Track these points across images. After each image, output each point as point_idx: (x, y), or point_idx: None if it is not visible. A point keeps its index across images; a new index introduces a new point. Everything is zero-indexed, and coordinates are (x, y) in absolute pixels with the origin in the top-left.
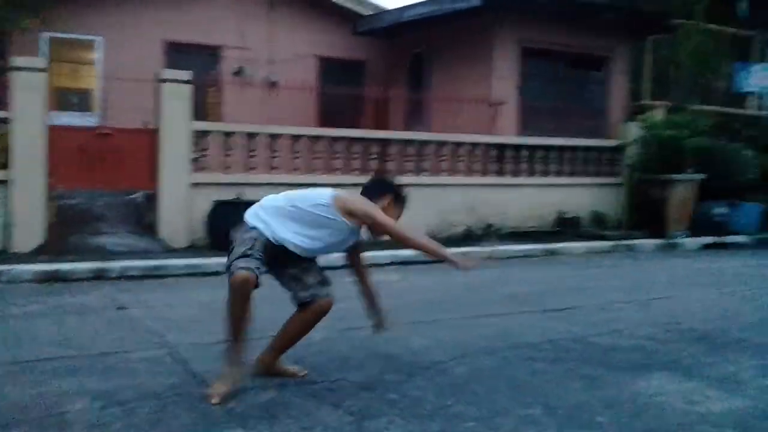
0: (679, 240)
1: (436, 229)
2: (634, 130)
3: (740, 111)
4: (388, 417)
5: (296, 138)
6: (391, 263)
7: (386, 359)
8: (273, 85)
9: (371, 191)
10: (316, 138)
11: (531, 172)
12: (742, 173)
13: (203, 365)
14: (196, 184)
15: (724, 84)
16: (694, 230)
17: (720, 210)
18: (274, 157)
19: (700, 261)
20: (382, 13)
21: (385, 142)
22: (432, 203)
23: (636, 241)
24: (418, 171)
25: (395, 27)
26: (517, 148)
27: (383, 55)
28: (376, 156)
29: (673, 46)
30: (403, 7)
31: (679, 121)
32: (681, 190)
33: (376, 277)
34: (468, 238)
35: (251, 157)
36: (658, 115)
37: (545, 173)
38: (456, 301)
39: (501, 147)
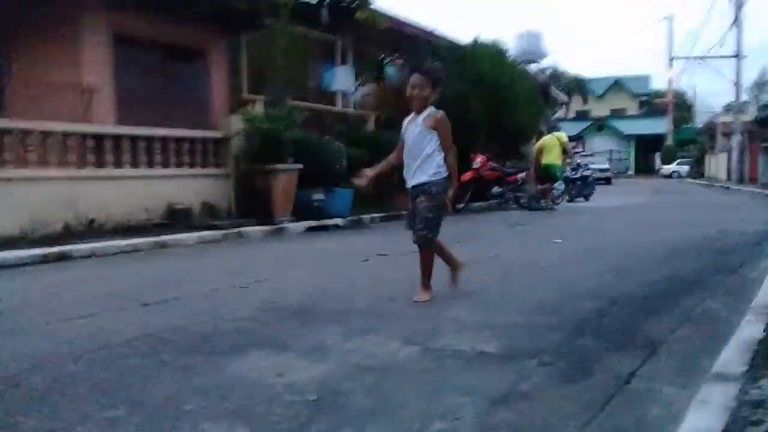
0: (284, 225)
1: (28, 228)
2: (236, 123)
3: (330, 107)
4: None
5: None
6: None
7: None
8: None
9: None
10: None
11: (135, 164)
12: (334, 163)
13: None
14: None
15: (315, 82)
16: (297, 216)
17: (318, 196)
18: None
19: (302, 243)
20: None
21: None
22: (20, 200)
23: (246, 229)
24: None
25: None
26: (118, 138)
27: None
28: None
29: (266, 44)
30: None
31: (276, 115)
32: (284, 179)
33: None
34: (67, 235)
35: None
36: (258, 109)
37: (151, 165)
38: (41, 305)
39: (99, 137)
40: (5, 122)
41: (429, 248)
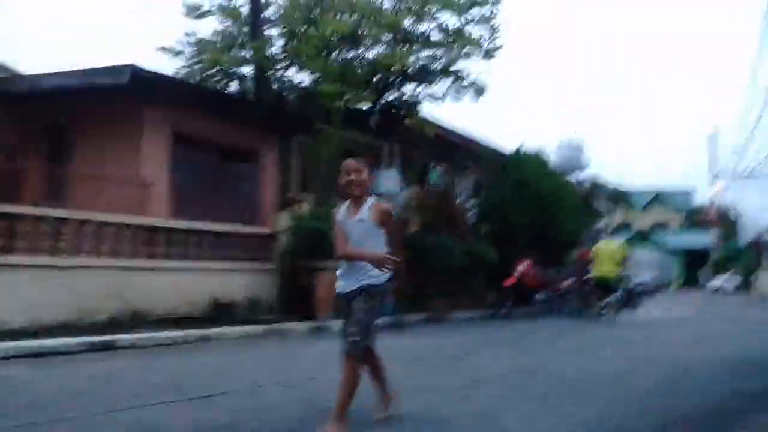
0: (326, 324)
1: (76, 316)
2: (284, 221)
3: None
4: None
5: None
6: (14, 356)
7: None
8: None
9: None
10: None
11: (185, 257)
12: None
13: None
14: None
15: None
16: (338, 314)
17: None
18: None
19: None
20: (17, 77)
21: (12, 218)
22: (71, 287)
23: (288, 326)
24: (55, 251)
25: (33, 94)
26: (170, 231)
27: (18, 121)
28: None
29: (317, 146)
30: (42, 74)
31: (323, 213)
32: (327, 277)
33: None
34: (113, 324)
35: None
36: (305, 207)
37: (200, 258)
38: (91, 394)
39: (152, 229)
40: (65, 212)
41: (357, 359)
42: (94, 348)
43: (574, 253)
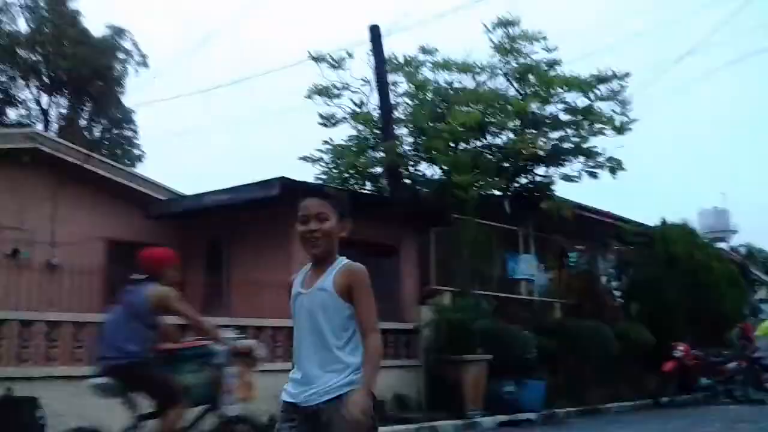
0: (477, 420)
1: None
2: (426, 314)
3: (515, 296)
4: None
5: (80, 326)
6: None
7: None
8: (54, 268)
9: None
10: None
11: None
12: (523, 352)
13: None
14: None
15: (499, 271)
16: (488, 408)
17: (509, 388)
18: (53, 347)
19: None
20: (179, 198)
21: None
22: None
23: (439, 423)
24: None
25: (192, 212)
26: None
27: (179, 239)
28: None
29: (453, 237)
30: (201, 193)
31: (464, 305)
32: (474, 370)
33: None
34: (270, 427)
35: (23, 347)
36: (445, 299)
37: None
38: None
39: None
40: (225, 320)
41: None
42: None
43: (734, 330)
